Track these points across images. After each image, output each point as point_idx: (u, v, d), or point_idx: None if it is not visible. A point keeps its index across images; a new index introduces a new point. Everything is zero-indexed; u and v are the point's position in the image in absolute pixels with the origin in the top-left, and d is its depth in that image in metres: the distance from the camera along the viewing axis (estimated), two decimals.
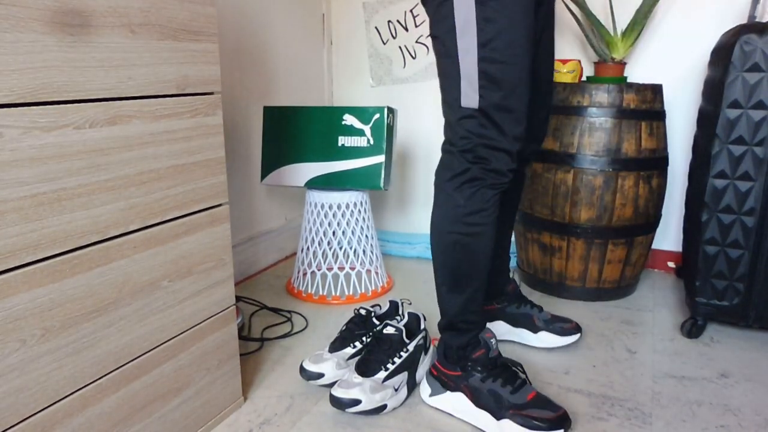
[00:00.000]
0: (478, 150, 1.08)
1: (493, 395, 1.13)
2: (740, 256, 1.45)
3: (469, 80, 1.04)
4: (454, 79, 1.06)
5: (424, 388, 1.23)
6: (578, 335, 1.46)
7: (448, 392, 1.19)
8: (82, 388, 0.86)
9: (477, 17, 1.00)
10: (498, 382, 1.14)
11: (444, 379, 1.20)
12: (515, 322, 1.47)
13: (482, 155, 1.08)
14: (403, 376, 1.23)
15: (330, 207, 1.73)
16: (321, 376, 1.24)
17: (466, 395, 1.16)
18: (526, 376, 1.19)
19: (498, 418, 1.12)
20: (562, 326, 1.46)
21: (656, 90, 1.66)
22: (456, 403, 1.18)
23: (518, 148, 1.09)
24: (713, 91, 1.47)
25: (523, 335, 1.47)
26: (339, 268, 1.96)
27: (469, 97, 1.05)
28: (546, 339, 1.45)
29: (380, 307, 1.41)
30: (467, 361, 1.17)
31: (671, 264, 2.02)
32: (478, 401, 1.15)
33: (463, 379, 1.17)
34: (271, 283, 1.91)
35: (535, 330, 1.45)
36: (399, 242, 2.22)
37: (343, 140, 1.69)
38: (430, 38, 1.13)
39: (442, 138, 1.16)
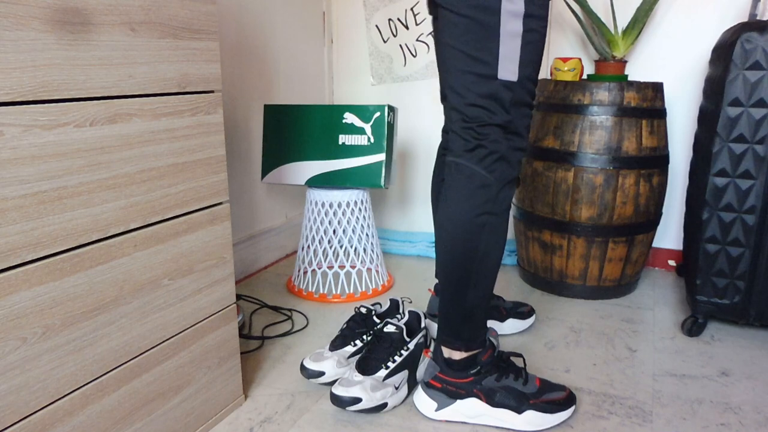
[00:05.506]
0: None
1: (510, 391, 1.14)
2: (741, 254, 1.45)
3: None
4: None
5: (427, 404, 1.17)
6: (534, 316, 1.58)
7: (458, 401, 1.15)
8: (83, 386, 0.86)
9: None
10: (510, 378, 1.15)
11: (452, 388, 1.15)
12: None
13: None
14: (404, 375, 1.23)
15: (330, 205, 1.73)
16: (321, 374, 1.24)
17: (480, 398, 1.14)
18: (525, 364, 1.20)
19: (520, 411, 1.13)
20: (522, 311, 1.56)
21: (657, 88, 1.66)
22: (469, 409, 1.15)
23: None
24: (714, 89, 1.47)
25: (492, 325, 1.53)
26: (339, 267, 1.96)
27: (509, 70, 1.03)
28: (513, 325, 1.54)
29: (381, 305, 1.41)
30: (477, 365, 1.15)
31: (672, 262, 2.02)
32: (494, 401, 1.14)
33: (475, 383, 1.14)
34: (271, 281, 1.91)
35: (502, 319, 1.53)
36: (399, 240, 2.22)
37: (344, 138, 1.69)
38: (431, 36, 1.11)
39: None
